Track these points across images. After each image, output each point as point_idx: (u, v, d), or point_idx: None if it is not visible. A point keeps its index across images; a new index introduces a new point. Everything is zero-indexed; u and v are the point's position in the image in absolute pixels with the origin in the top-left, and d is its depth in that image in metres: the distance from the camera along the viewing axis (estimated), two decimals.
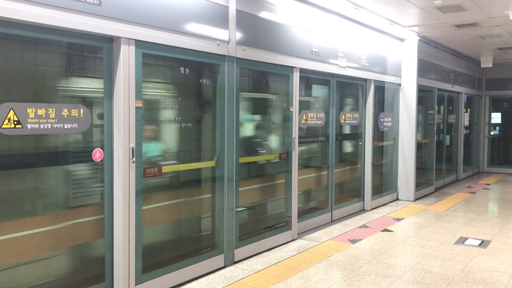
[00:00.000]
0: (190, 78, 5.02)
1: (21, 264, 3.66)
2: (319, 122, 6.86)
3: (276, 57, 5.74)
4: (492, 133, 13.97)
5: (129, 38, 3.94)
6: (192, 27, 4.56)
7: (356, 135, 8.22)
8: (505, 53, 11.45)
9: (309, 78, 6.99)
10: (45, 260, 3.83)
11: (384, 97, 8.93)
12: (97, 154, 3.90)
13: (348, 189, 8.22)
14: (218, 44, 4.89)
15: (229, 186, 5.13)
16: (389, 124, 8.94)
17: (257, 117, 6.38)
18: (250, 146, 6.08)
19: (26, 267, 3.70)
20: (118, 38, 3.89)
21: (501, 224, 7.26)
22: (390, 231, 6.78)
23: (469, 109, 13.22)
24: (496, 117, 14.01)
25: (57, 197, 4.02)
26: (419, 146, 9.78)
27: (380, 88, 8.68)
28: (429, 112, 10.38)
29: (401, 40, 9.14)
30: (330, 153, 7.29)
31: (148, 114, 4.54)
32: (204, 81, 5.18)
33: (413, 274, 4.95)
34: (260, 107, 6.46)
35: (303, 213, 6.76)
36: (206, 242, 5.17)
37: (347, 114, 7.68)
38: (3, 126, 3.21)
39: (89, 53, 4.04)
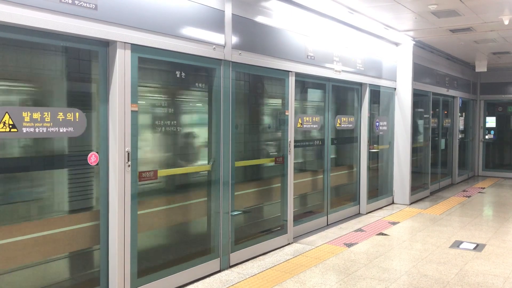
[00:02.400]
0: (185, 82, 5.02)
1: (16, 269, 3.64)
2: (314, 126, 6.88)
3: (272, 61, 5.76)
4: (486, 137, 14.04)
5: (125, 42, 3.95)
6: (188, 31, 4.57)
7: (351, 139, 8.24)
8: (500, 57, 11.53)
9: (304, 82, 7.01)
10: (41, 265, 3.82)
11: (380, 101, 8.96)
12: (93, 158, 3.89)
13: (344, 192, 8.23)
14: (214, 48, 4.90)
15: (224, 190, 5.13)
16: (385, 128, 8.97)
17: (253, 121, 6.39)
18: (246, 150, 6.09)
19: (21, 272, 3.69)
20: (114, 42, 3.90)
21: (496, 227, 7.29)
22: (385, 234, 6.79)
23: (464, 113, 13.28)
24: (491, 121, 14.08)
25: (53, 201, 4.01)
26: (414, 150, 9.81)
27: (376, 92, 8.71)
28: (424, 116, 10.42)
29: (396, 44, 9.19)
30: (326, 157, 7.30)
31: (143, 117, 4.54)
32: (200, 85, 5.19)
33: (409, 278, 4.96)
34: (255, 111, 6.47)
35: (299, 217, 6.76)
36: (202, 246, 5.16)
37: (342, 118, 7.70)
38: None
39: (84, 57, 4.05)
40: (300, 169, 7.20)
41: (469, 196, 10.29)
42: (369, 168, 8.40)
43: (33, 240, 3.64)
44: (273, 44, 5.79)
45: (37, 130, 3.42)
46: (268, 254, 5.72)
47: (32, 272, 3.77)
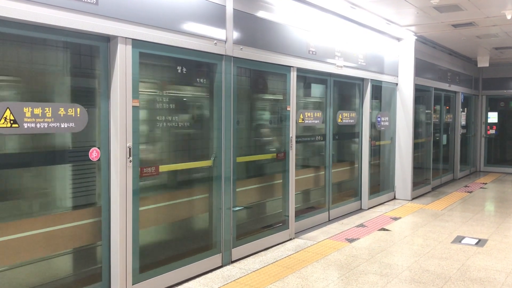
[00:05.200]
0: (187, 77, 5.01)
1: (19, 265, 3.65)
2: (316, 121, 6.87)
3: (273, 57, 5.74)
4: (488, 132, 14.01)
5: (126, 37, 3.94)
6: (189, 26, 4.56)
7: (353, 134, 8.23)
8: (502, 52, 11.48)
9: (306, 78, 7.00)
10: (42, 261, 3.83)
11: (381, 96, 8.94)
12: (94, 154, 3.89)
13: (345, 188, 8.23)
14: (216, 43, 4.89)
15: (226, 186, 5.13)
16: (386, 123, 8.96)
17: (255, 116, 6.38)
18: (248, 145, 6.08)
19: (24, 267, 3.70)
20: (115, 37, 3.89)
21: (498, 223, 7.28)
22: (387, 230, 6.79)
23: (466, 109, 13.25)
24: (493, 117, 14.04)
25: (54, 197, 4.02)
26: (416, 146, 9.79)
27: (377, 88, 8.69)
28: (426, 111, 10.40)
29: (398, 39, 9.16)
30: (327, 153, 7.29)
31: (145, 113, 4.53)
32: (201, 80, 5.18)
33: (410, 273, 4.96)
34: (257, 107, 6.46)
35: (301, 213, 6.76)
36: (204, 242, 5.16)
37: (344, 114, 7.68)
38: None
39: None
40: (301, 164, 7.19)
41: (471, 192, 10.28)
42: (370, 164, 8.40)
43: (37, 236, 3.65)
44: (274, 39, 5.77)
45: (38, 125, 3.41)
46: (270, 249, 5.73)
47: (34, 267, 3.78)
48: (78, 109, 3.67)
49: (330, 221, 7.31)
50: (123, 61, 3.94)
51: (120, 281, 4.00)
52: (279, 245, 5.90)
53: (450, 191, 10.44)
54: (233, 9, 5.08)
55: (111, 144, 3.97)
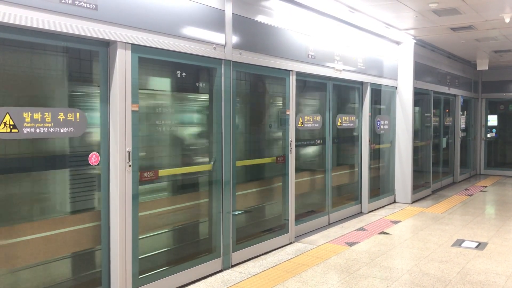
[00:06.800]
0: (186, 82, 5.02)
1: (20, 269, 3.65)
2: (315, 125, 6.87)
3: (273, 61, 5.75)
4: (488, 135, 14.01)
5: (125, 42, 3.95)
6: (188, 31, 4.57)
7: (353, 138, 8.24)
8: (501, 55, 11.50)
9: (305, 82, 7.01)
10: (42, 265, 3.83)
11: (381, 100, 8.96)
12: (94, 158, 3.89)
13: (345, 192, 8.22)
14: (215, 48, 4.90)
15: (226, 190, 5.13)
16: (386, 127, 8.96)
17: (254, 120, 6.39)
18: (247, 149, 6.09)
19: (25, 272, 3.70)
20: (115, 42, 3.90)
21: (498, 226, 7.28)
22: (387, 233, 6.78)
23: (465, 112, 13.26)
24: (493, 120, 14.05)
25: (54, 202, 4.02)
26: (416, 149, 9.79)
27: (377, 91, 8.69)
28: (426, 114, 10.41)
29: (398, 43, 9.18)
30: (327, 156, 7.30)
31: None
32: (201, 84, 5.19)
33: (410, 277, 4.95)
34: (256, 111, 6.47)
35: (301, 216, 6.76)
36: (203, 246, 5.16)
37: (343, 117, 7.69)
38: None
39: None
40: (301, 168, 7.19)
41: (471, 195, 10.28)
42: (370, 167, 8.39)
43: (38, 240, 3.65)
44: (273, 43, 5.78)
45: (37, 130, 3.42)
46: (270, 253, 5.72)
47: (34, 272, 3.78)
48: (78, 114, 3.68)
49: (330, 224, 7.31)
50: (123, 66, 3.95)
51: (120, 285, 4.00)
52: (279, 249, 5.90)
53: (450, 194, 10.44)
54: (232, 13, 5.10)
55: (111, 148, 3.98)
